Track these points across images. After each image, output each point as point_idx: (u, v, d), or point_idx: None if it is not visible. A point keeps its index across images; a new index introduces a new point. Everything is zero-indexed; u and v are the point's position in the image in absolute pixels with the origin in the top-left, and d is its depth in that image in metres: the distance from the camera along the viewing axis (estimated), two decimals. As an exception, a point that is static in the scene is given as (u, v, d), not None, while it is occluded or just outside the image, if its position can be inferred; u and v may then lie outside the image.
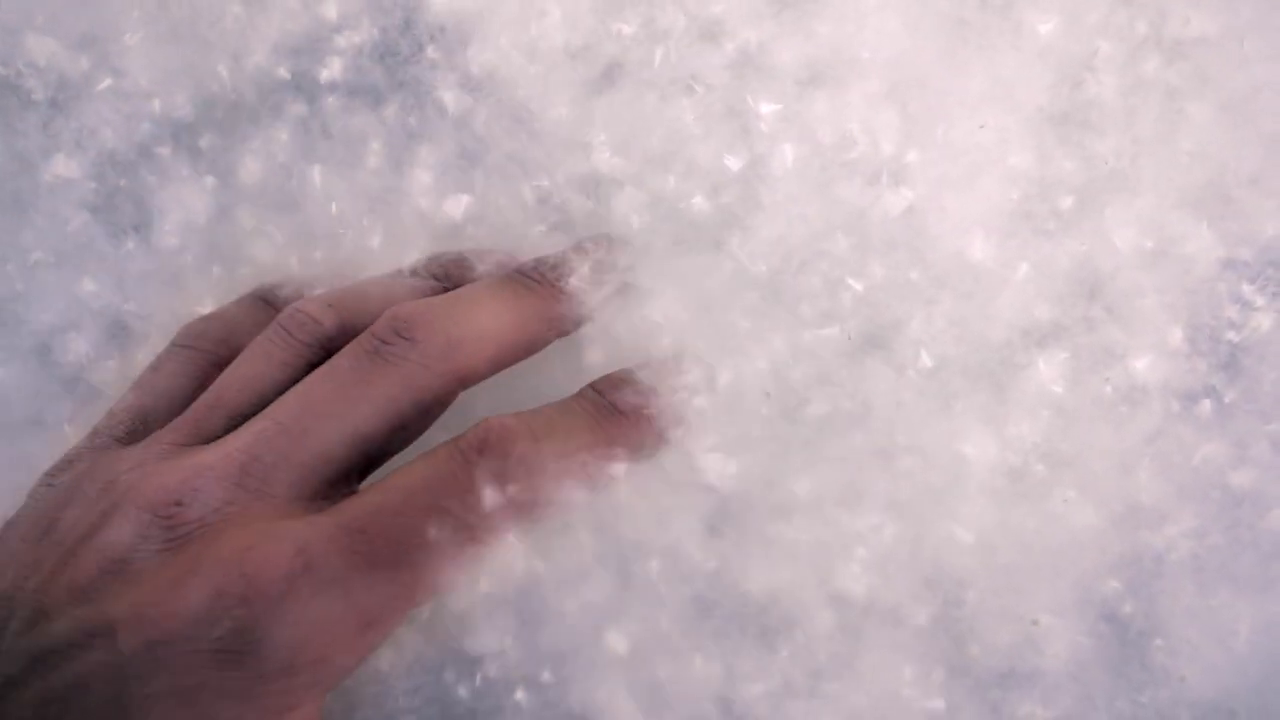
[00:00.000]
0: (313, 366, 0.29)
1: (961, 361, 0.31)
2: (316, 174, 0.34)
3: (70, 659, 0.24)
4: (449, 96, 0.35)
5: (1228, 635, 0.30)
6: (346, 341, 0.29)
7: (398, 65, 0.35)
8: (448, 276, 0.32)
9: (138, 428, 0.30)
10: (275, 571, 0.24)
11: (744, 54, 0.33)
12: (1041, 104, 0.33)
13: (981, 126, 0.31)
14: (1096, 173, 0.33)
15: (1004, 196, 0.32)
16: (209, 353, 0.31)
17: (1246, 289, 0.32)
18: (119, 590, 0.25)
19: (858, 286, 0.31)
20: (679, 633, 0.29)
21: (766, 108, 0.32)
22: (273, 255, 0.34)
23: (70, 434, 0.32)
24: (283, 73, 0.36)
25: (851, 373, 0.30)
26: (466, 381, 0.29)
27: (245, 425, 0.27)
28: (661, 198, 0.32)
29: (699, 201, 0.32)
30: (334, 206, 0.34)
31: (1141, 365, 0.31)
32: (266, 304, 0.32)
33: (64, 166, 0.34)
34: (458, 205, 0.33)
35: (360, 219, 0.34)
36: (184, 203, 0.35)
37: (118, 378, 0.34)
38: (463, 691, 0.29)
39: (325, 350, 0.29)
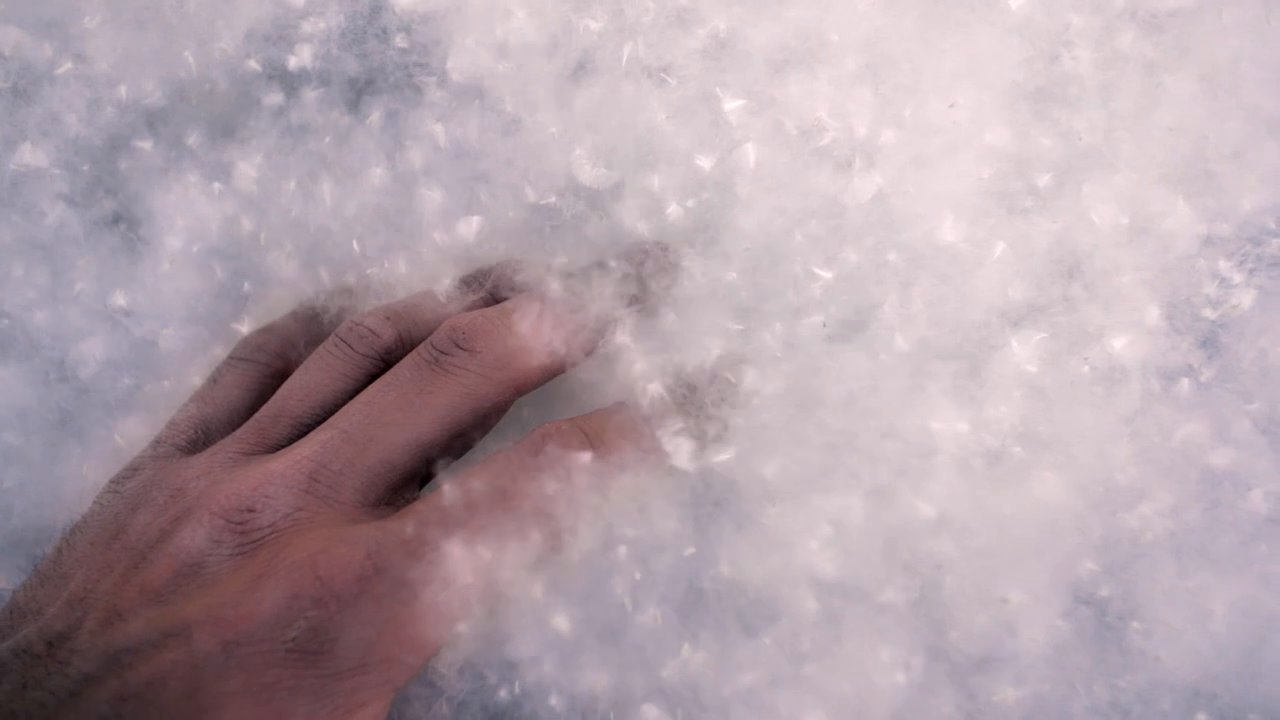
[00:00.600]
0: (372, 377, 0.31)
1: (938, 343, 0.31)
2: (325, 190, 0.35)
3: (146, 658, 0.25)
4: (430, 113, 0.35)
5: (1207, 617, 0.29)
6: (404, 353, 0.31)
7: (368, 56, 0.35)
8: (492, 289, 0.33)
9: (199, 437, 0.31)
10: (348, 574, 0.25)
11: (716, 41, 0.33)
12: (1017, 80, 0.32)
13: (952, 105, 0.31)
14: (1074, 149, 0.32)
15: (979, 175, 0.31)
16: (266, 365, 0.33)
17: (1227, 266, 0.31)
18: (193, 593, 0.26)
19: (828, 274, 0.30)
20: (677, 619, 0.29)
21: (732, 104, 0.31)
22: (266, 264, 0.35)
23: (121, 444, 0.33)
24: (253, 64, 0.35)
25: (830, 359, 0.30)
26: (522, 389, 0.30)
27: (311, 434, 0.29)
28: (649, 199, 0.32)
29: (680, 201, 0.32)
30: (329, 220, 0.35)
31: (1120, 344, 0.31)
32: (318, 317, 0.34)
33: (30, 155, 0.33)
34: (469, 227, 0.33)
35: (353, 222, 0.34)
36: (179, 202, 0.35)
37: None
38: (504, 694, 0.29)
39: (384, 361, 0.31)
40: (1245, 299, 0.31)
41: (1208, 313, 0.31)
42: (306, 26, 0.34)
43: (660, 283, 0.31)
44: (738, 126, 0.31)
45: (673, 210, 0.31)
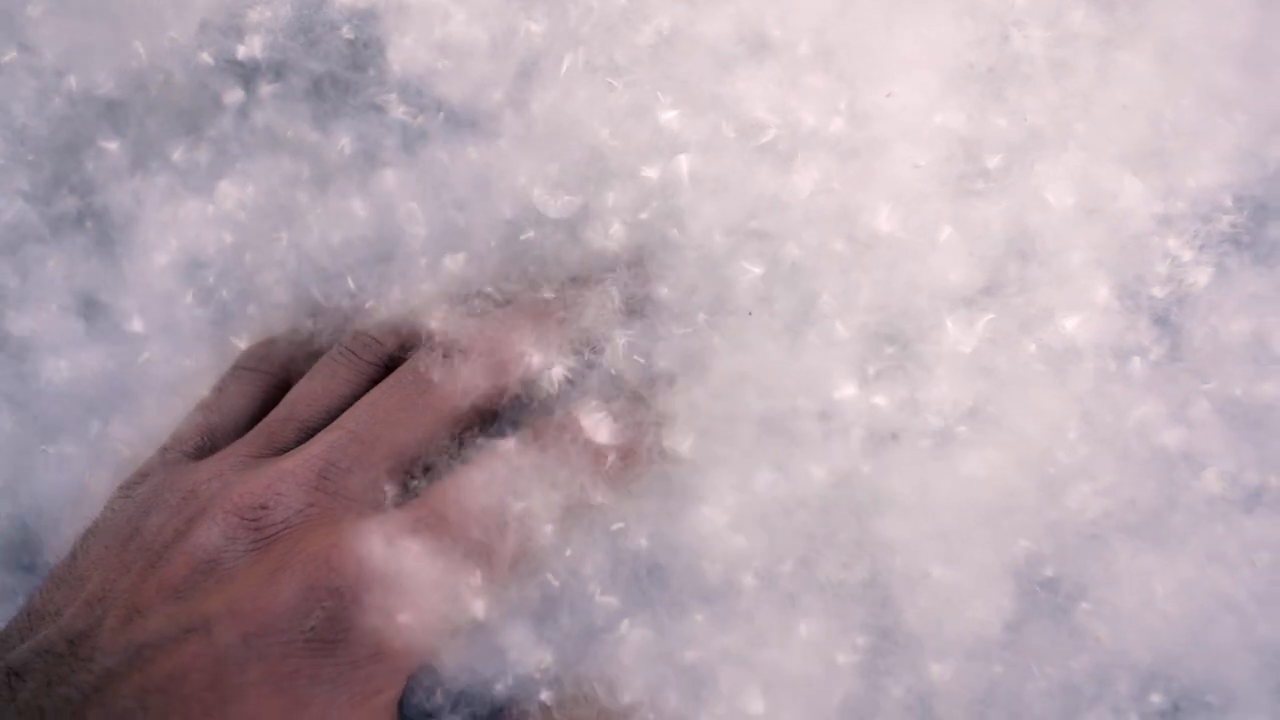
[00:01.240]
0: (375, 384, 0.31)
1: (881, 328, 0.30)
2: (310, 222, 0.35)
3: (168, 652, 0.25)
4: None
5: (1160, 598, 0.29)
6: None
7: (316, 44, 0.35)
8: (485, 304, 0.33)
9: (205, 444, 0.32)
10: (362, 564, 0.26)
11: (661, 38, 0.32)
12: (969, 61, 0.32)
13: (889, 95, 0.30)
14: (1026, 129, 0.32)
15: (927, 159, 0.31)
16: (270, 375, 0.34)
17: (1179, 244, 0.31)
18: (211, 588, 0.27)
19: (758, 269, 0.30)
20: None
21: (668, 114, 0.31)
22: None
23: (126, 453, 0.34)
24: (206, 57, 0.35)
25: (759, 344, 0.30)
26: (512, 391, 0.31)
27: (319, 435, 0.30)
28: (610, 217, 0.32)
29: (634, 215, 0.31)
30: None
31: (1072, 324, 0.31)
32: (316, 337, 0.34)
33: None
34: (455, 262, 0.33)
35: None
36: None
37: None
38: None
39: (388, 369, 0.32)
40: (1199, 277, 0.31)
41: (1160, 291, 0.31)
42: (254, 15, 0.34)
43: (640, 295, 0.32)
44: (678, 133, 0.31)
45: (624, 227, 0.31)
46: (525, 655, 0.28)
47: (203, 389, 0.34)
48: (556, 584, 0.28)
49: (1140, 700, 0.29)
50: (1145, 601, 0.29)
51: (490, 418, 0.31)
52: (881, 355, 0.30)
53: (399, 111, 0.34)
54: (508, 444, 0.29)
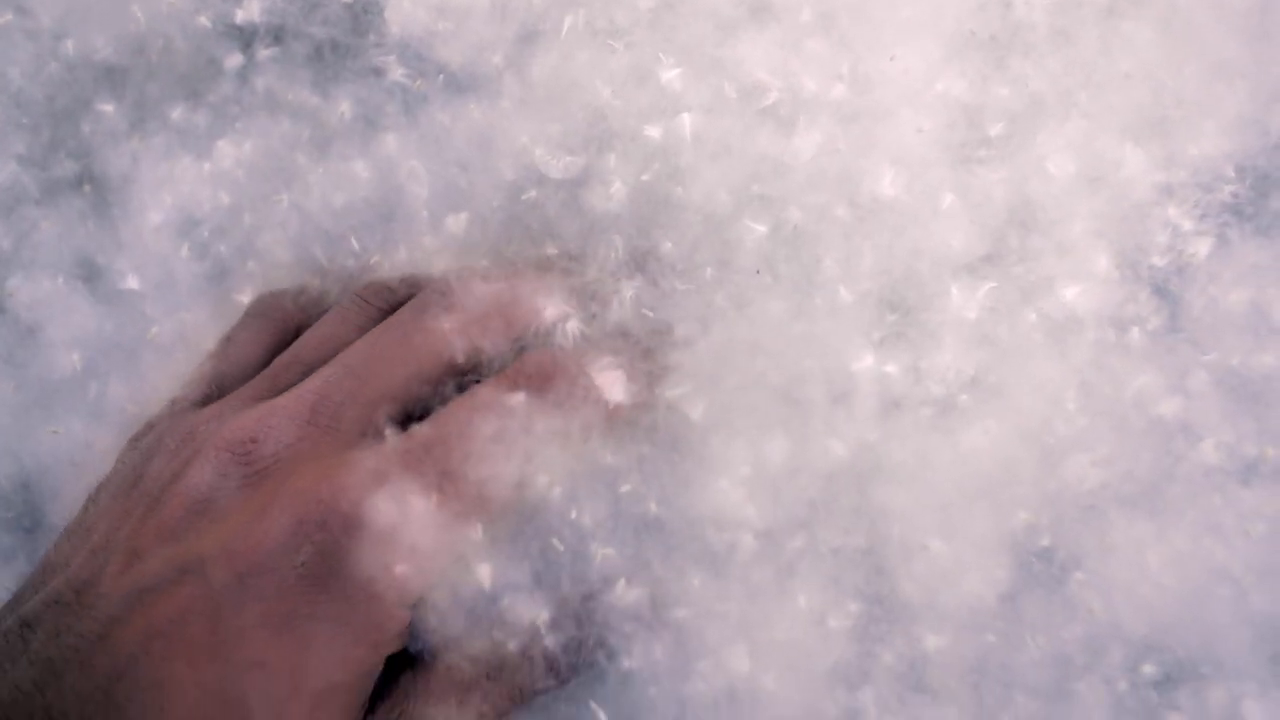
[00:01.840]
0: None
1: (884, 294, 0.30)
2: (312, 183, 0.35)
3: (167, 595, 0.25)
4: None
5: (1156, 569, 0.29)
6: None
7: (314, 10, 0.35)
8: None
9: (213, 393, 0.32)
10: (350, 495, 0.26)
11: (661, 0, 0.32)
12: (974, 28, 0.32)
13: (892, 59, 0.30)
14: (1028, 98, 0.31)
15: (928, 126, 0.31)
16: (280, 323, 0.33)
17: (1182, 214, 0.31)
18: (205, 528, 0.26)
19: (762, 228, 0.30)
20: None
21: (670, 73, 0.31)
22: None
23: (131, 409, 0.34)
24: (204, 21, 0.35)
25: (766, 305, 0.30)
26: (518, 335, 0.30)
27: (315, 373, 0.29)
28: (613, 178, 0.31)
29: (637, 176, 0.31)
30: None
31: (1072, 294, 0.30)
32: (324, 296, 0.34)
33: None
34: (458, 223, 0.33)
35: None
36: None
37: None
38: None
39: None
40: (1200, 247, 0.31)
41: (1161, 261, 0.31)
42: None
43: (644, 249, 0.31)
44: (680, 94, 0.31)
45: (625, 187, 0.31)
46: (521, 604, 0.28)
47: (201, 345, 0.34)
48: (560, 546, 0.28)
49: (1132, 670, 0.29)
50: (1140, 572, 0.29)
51: (498, 368, 0.31)
52: (884, 322, 0.30)
53: (398, 74, 0.34)
54: (504, 382, 0.29)
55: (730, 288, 0.29)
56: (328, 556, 0.26)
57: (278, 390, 0.30)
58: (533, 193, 0.32)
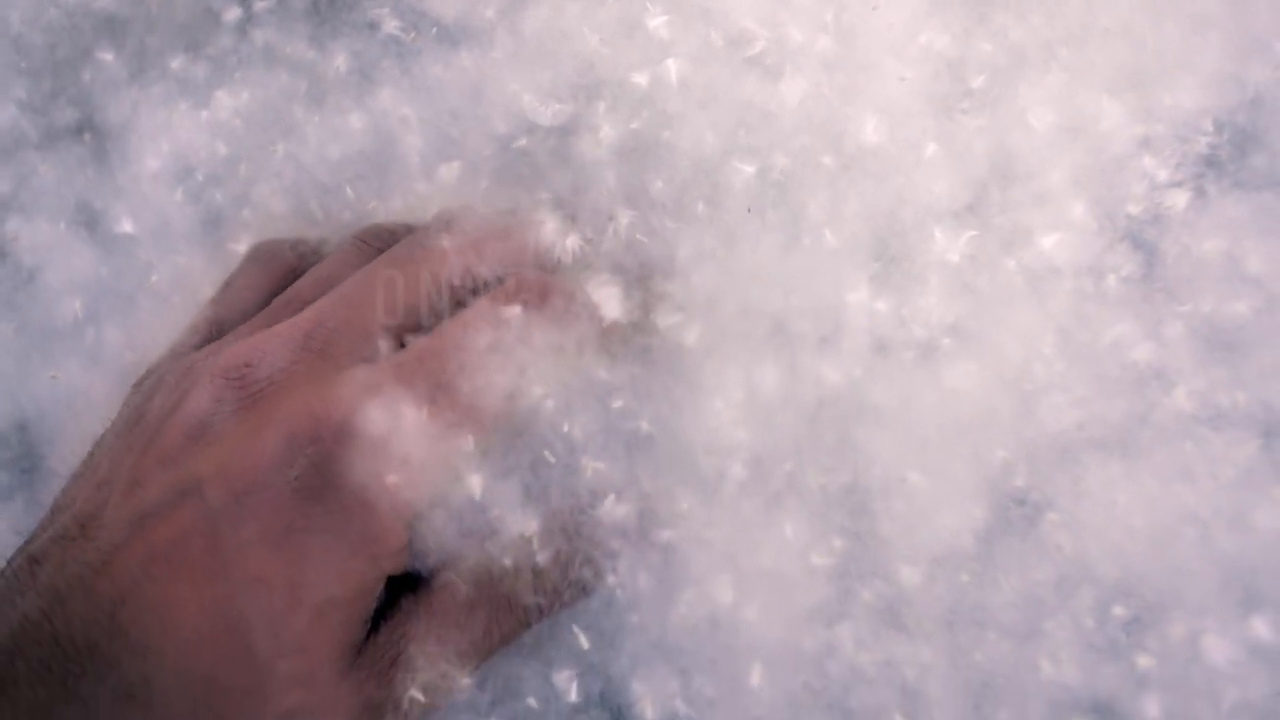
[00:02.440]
0: None
1: (868, 239, 0.31)
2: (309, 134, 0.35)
3: (166, 518, 0.26)
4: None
5: (1127, 512, 0.30)
6: None
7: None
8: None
9: (213, 336, 0.32)
10: (342, 408, 0.26)
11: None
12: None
13: (875, 8, 0.31)
14: (1010, 52, 0.32)
15: (911, 76, 0.31)
16: (278, 269, 0.34)
17: (1158, 164, 0.31)
18: (201, 451, 0.27)
19: (750, 168, 0.30)
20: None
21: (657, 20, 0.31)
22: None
23: (130, 357, 0.34)
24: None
25: (755, 239, 0.30)
26: (515, 265, 0.31)
27: (312, 304, 0.30)
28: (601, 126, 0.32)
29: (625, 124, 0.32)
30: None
31: (1050, 243, 0.31)
32: (322, 247, 0.34)
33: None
34: (450, 171, 0.34)
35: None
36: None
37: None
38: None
39: None
40: (1177, 199, 0.31)
41: (1137, 210, 0.31)
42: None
43: (636, 185, 0.32)
44: (667, 41, 0.31)
45: (615, 132, 0.31)
46: (512, 517, 0.28)
47: (196, 293, 0.34)
48: (552, 459, 0.29)
49: (1102, 612, 0.30)
50: (1111, 515, 0.30)
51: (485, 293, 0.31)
52: (868, 266, 0.30)
53: (393, 27, 0.35)
54: (500, 296, 0.29)
55: (720, 226, 0.30)
56: (321, 468, 0.26)
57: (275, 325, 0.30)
58: (524, 141, 0.32)
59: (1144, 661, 0.29)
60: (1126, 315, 0.31)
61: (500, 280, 0.30)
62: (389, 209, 0.34)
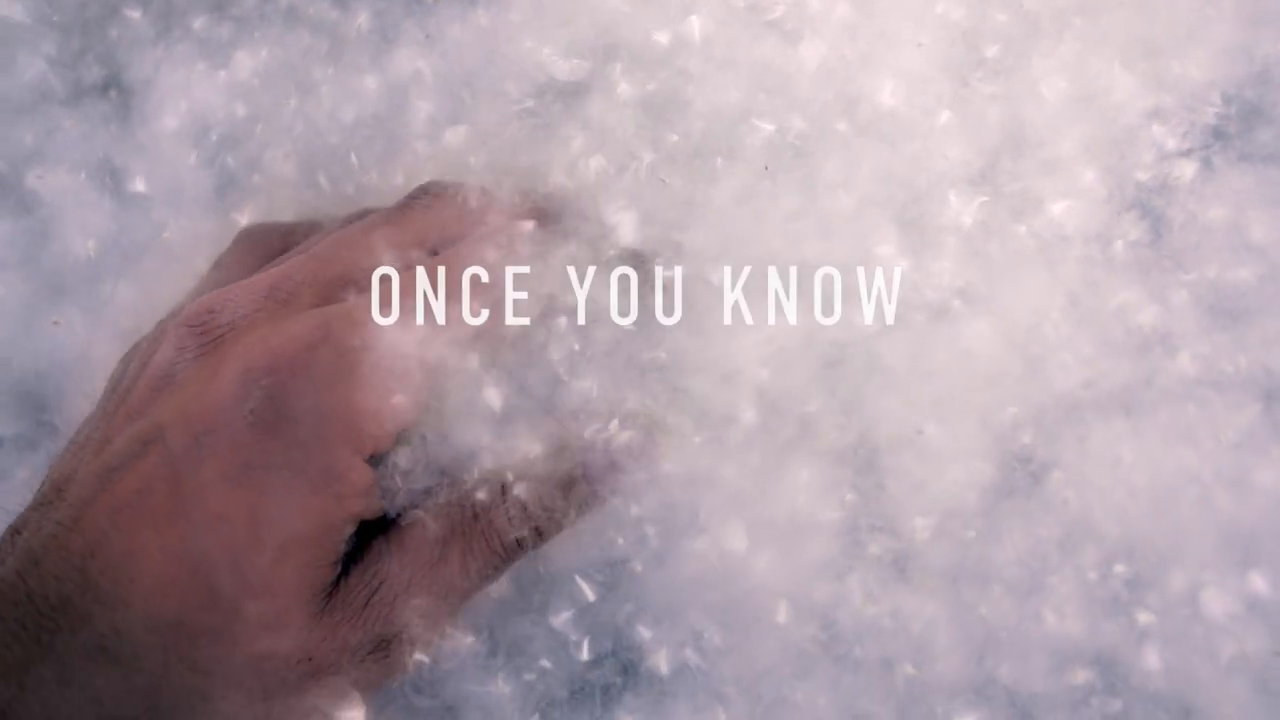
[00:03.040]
0: None
1: (882, 201, 0.31)
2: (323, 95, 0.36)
3: (131, 469, 0.26)
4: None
5: (1130, 472, 0.30)
6: None
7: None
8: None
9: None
10: (296, 342, 0.26)
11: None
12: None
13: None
14: (1024, 22, 0.33)
15: (926, 42, 0.32)
16: (267, 250, 0.33)
17: (1168, 137, 0.32)
18: (165, 400, 0.27)
19: (770, 126, 0.31)
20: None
21: None
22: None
23: (125, 323, 0.34)
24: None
25: (773, 190, 0.31)
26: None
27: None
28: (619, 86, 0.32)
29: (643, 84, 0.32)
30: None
31: (1060, 210, 0.32)
32: (320, 225, 0.34)
33: (5, 6, 0.34)
34: (456, 135, 0.34)
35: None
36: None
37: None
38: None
39: None
40: (1185, 169, 0.32)
41: (1145, 179, 0.32)
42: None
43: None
44: (689, 3, 0.32)
45: (634, 91, 0.32)
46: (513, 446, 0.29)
47: (205, 255, 0.34)
48: (541, 386, 0.29)
49: (1105, 569, 0.31)
50: (1115, 475, 0.30)
51: None
52: (882, 229, 0.31)
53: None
54: (507, 212, 0.30)
55: (736, 180, 0.30)
56: (276, 401, 0.26)
57: None
58: (530, 103, 0.33)
59: (1144, 617, 0.30)
60: (1133, 281, 0.32)
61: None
62: (391, 185, 0.35)
